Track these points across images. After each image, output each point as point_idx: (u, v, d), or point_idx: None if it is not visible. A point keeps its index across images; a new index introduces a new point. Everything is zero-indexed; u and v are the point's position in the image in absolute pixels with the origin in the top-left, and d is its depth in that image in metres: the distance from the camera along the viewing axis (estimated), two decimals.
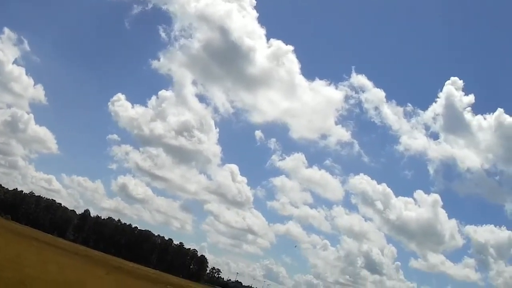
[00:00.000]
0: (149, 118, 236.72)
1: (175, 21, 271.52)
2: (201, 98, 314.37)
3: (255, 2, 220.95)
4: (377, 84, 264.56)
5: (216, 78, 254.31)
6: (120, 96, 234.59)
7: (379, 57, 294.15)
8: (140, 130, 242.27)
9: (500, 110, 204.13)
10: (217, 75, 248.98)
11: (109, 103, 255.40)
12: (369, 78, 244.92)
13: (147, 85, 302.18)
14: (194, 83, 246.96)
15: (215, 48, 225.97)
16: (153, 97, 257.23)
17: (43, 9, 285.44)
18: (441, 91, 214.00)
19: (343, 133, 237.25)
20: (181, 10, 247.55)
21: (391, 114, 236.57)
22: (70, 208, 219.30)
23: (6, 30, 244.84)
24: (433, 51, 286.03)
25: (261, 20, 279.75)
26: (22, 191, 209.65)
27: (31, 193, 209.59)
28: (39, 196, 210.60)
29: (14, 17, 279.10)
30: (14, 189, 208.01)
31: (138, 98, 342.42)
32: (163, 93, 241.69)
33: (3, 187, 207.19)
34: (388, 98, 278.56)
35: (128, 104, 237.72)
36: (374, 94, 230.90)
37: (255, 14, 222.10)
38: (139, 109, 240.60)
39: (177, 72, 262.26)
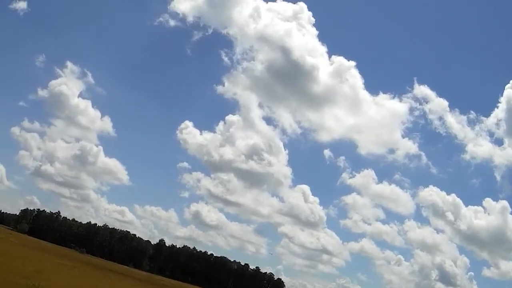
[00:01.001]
0: (218, 144, 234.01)
1: (236, 44, 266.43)
2: (268, 120, 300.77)
3: (314, 20, 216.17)
4: (440, 94, 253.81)
5: (281, 99, 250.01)
6: (188, 124, 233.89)
7: (438, 66, 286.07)
8: (209, 156, 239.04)
9: None
10: (282, 96, 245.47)
11: (177, 131, 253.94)
12: (432, 88, 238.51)
13: (213, 111, 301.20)
14: (260, 105, 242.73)
15: (278, 69, 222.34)
16: (221, 122, 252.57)
17: (104, 40, 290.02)
18: (501, 95, 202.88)
19: (410, 146, 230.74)
20: (241, 33, 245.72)
21: (455, 123, 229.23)
22: (145, 238, 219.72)
23: (69, 64, 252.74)
24: (490, 55, 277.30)
25: (321, 38, 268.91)
26: (96, 224, 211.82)
27: (105, 226, 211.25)
28: (113, 228, 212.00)
29: (75, 50, 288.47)
30: (87, 223, 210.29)
31: (206, 124, 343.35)
32: (230, 117, 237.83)
33: (77, 221, 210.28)
34: (451, 107, 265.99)
35: (196, 131, 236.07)
36: (437, 104, 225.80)
37: (314, 32, 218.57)
38: (207, 135, 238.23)
39: (243, 96, 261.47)
